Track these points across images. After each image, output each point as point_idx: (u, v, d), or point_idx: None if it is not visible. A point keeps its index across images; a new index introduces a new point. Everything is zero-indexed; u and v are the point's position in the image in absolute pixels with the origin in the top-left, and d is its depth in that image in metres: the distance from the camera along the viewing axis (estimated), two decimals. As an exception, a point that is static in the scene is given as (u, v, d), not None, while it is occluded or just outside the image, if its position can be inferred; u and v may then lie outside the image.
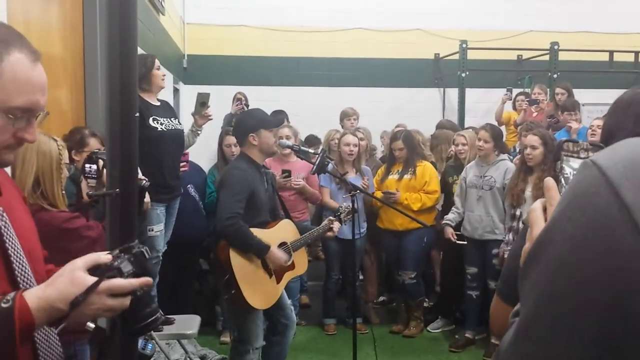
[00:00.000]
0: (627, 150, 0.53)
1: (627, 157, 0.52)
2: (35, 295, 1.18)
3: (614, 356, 0.49)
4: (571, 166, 0.94)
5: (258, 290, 3.56)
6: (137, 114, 1.98)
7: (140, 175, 3.52)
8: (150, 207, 3.96)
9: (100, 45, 3.83)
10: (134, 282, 1.27)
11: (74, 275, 1.21)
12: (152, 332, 3.68)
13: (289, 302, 3.94)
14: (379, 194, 5.15)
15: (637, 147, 0.53)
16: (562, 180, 0.91)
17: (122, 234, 2.00)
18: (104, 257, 1.27)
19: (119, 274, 1.26)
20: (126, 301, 1.26)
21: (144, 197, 3.19)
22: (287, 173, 5.01)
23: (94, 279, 1.22)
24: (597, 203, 0.51)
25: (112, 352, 1.50)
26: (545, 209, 0.82)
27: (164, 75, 4.21)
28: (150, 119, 4.05)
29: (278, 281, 3.68)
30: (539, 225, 0.80)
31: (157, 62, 4.14)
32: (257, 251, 3.53)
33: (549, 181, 0.92)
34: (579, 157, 0.94)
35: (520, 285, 0.60)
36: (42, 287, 1.22)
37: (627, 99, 1.71)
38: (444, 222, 5.06)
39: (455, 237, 4.98)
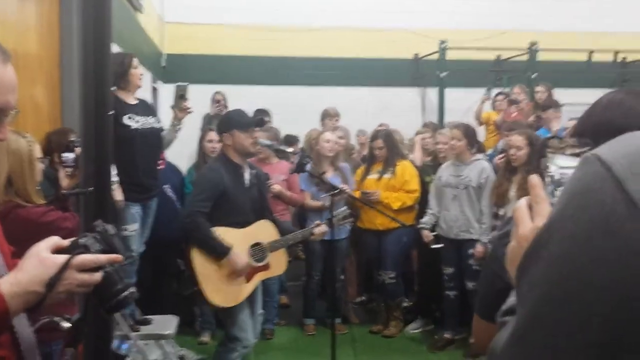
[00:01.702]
0: (630, 144, 0.51)
1: (632, 151, 0.50)
2: (7, 282, 1.19)
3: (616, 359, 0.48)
4: (556, 163, 0.92)
5: (220, 288, 3.55)
6: (112, 112, 1.96)
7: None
8: (125, 206, 3.94)
9: (76, 44, 3.79)
10: (102, 257, 1.29)
11: (42, 257, 1.22)
12: (130, 333, 3.65)
13: (260, 311, 3.90)
14: (358, 194, 5.14)
15: None
16: (547, 178, 0.90)
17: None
18: (65, 241, 1.29)
19: (86, 251, 1.29)
20: (97, 276, 1.29)
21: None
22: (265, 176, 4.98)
23: (65, 256, 1.24)
24: (602, 200, 0.49)
25: (86, 345, 1.51)
26: (530, 207, 0.80)
27: (142, 74, 4.17)
28: (125, 117, 4.01)
29: (247, 280, 3.64)
30: (524, 223, 0.78)
31: (135, 61, 4.10)
32: (216, 252, 3.52)
33: (534, 179, 0.91)
34: (564, 154, 0.93)
35: (517, 284, 0.58)
36: (12, 274, 1.23)
37: (619, 101, 1.73)
38: (420, 225, 5.06)
39: (431, 238, 4.98)
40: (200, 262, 3.51)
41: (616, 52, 8.91)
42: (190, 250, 3.51)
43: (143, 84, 4.26)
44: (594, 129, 1.45)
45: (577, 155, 0.87)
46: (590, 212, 0.49)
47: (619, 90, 1.84)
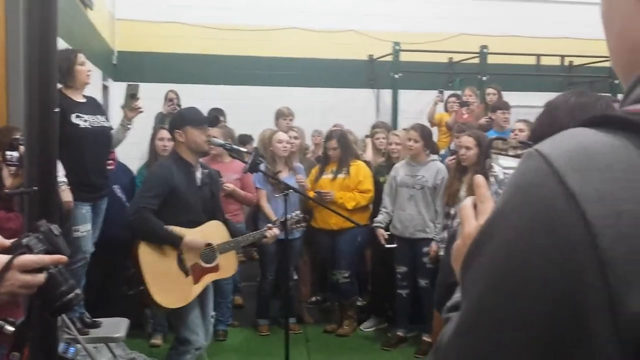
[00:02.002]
0: (570, 139, 0.52)
1: (573, 146, 0.51)
2: None
3: (559, 356, 0.48)
4: (500, 164, 0.95)
5: (168, 288, 3.48)
6: (57, 110, 1.91)
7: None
8: (75, 206, 3.85)
9: (22, 39, 3.68)
10: (46, 257, 1.25)
11: None
12: (79, 336, 3.56)
13: (212, 312, 3.87)
14: (312, 194, 5.15)
15: (580, 137, 0.52)
16: (492, 177, 0.92)
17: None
18: (7, 241, 1.26)
19: (29, 251, 1.26)
20: (40, 277, 1.25)
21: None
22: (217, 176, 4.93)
23: (6, 257, 1.21)
24: (543, 194, 0.50)
25: (32, 349, 1.48)
26: (475, 206, 0.82)
27: (89, 70, 4.07)
28: (73, 115, 3.92)
29: (195, 282, 3.59)
30: (470, 221, 0.80)
31: (80, 57, 4.00)
32: (170, 241, 3.46)
33: (479, 178, 0.92)
34: (507, 155, 0.96)
35: (461, 278, 0.58)
36: None
37: (564, 102, 1.78)
38: (374, 224, 5.09)
39: (386, 238, 5.02)
40: (147, 262, 3.44)
41: (563, 57, 9.16)
42: (136, 250, 3.43)
43: (91, 81, 4.15)
44: (543, 131, 1.50)
45: (519, 156, 0.89)
46: (532, 206, 0.50)
47: (567, 93, 1.90)
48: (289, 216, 3.93)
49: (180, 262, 3.52)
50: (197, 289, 3.60)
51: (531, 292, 0.49)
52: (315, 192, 5.19)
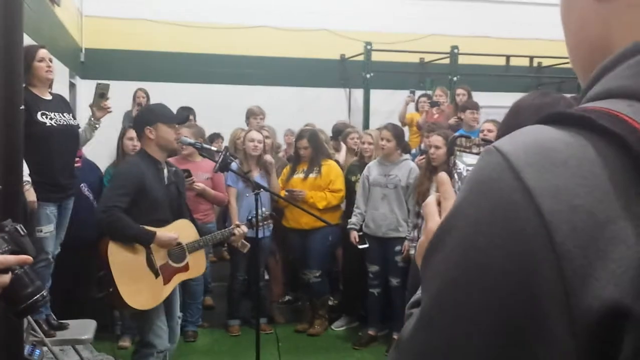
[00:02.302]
0: (528, 136, 0.53)
1: (529, 142, 0.52)
2: None
3: (517, 348, 0.49)
4: (464, 161, 0.96)
5: (139, 289, 3.42)
6: (22, 108, 1.86)
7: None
8: (39, 206, 3.77)
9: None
10: (10, 258, 1.22)
11: None
12: (45, 338, 3.50)
13: (179, 314, 3.82)
14: (283, 193, 5.13)
15: (538, 134, 0.53)
16: (455, 175, 0.93)
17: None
18: None
19: None
20: (5, 277, 1.21)
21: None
22: (186, 173, 4.87)
23: None
24: (501, 188, 0.51)
25: None
26: (439, 203, 0.82)
27: (49, 66, 3.95)
28: (38, 113, 3.84)
29: (166, 282, 3.54)
30: (433, 218, 0.80)
31: (40, 53, 3.90)
32: (142, 239, 3.40)
33: (442, 176, 0.93)
34: (471, 152, 0.97)
35: (422, 273, 0.59)
36: None
37: (529, 103, 1.80)
38: (349, 226, 5.10)
39: (357, 240, 5.03)
40: (116, 262, 3.36)
41: (532, 58, 9.29)
42: (105, 250, 3.35)
43: (54, 77, 4.04)
44: (509, 131, 1.50)
45: None
46: (490, 200, 0.51)
47: (532, 93, 1.93)
48: (253, 213, 3.93)
49: (150, 263, 3.46)
50: (168, 289, 3.55)
51: (488, 285, 0.50)
52: (286, 191, 5.17)
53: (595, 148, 0.50)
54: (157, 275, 3.49)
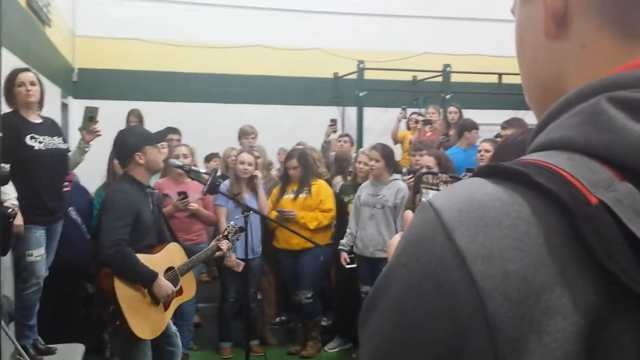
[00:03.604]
0: (464, 191, 0.50)
1: (464, 199, 0.49)
2: None
3: None
4: (428, 199, 0.92)
5: (144, 319, 3.40)
6: (0, 135, 1.84)
7: (9, 202, 3.32)
8: (28, 230, 3.74)
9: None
10: None
11: None
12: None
13: (173, 328, 3.80)
14: (274, 214, 5.10)
15: (474, 189, 0.50)
16: None
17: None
18: None
19: None
20: None
21: (12, 225, 2.99)
22: (183, 195, 4.87)
23: None
24: (432, 249, 0.48)
25: None
26: None
27: (28, 90, 3.89)
28: (27, 137, 3.83)
29: (165, 309, 3.52)
30: None
31: (19, 78, 3.88)
32: (144, 280, 3.38)
33: (407, 214, 0.90)
34: (438, 190, 0.93)
35: (360, 331, 0.55)
36: None
37: (512, 140, 1.78)
38: (339, 247, 5.07)
39: (348, 262, 4.99)
40: (124, 294, 3.32)
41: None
42: (110, 284, 3.29)
43: (35, 101, 3.97)
44: None
45: None
46: (422, 261, 0.48)
47: (517, 131, 1.91)
48: (228, 227, 3.93)
49: (151, 292, 3.45)
50: (168, 315, 3.55)
51: (420, 350, 0.47)
52: (277, 212, 5.14)
53: (531, 206, 0.47)
54: (157, 303, 3.47)
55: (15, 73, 3.90)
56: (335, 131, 7.77)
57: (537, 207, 0.47)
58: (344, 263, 5.00)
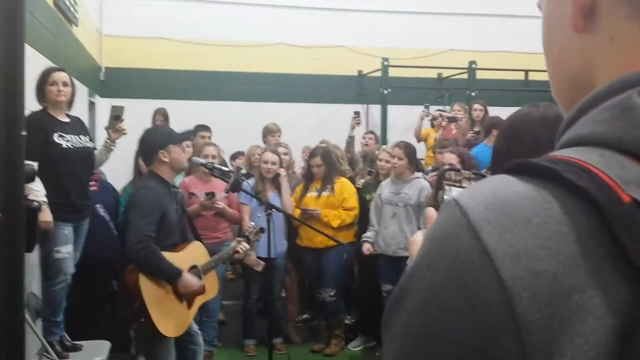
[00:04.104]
0: (490, 189, 0.48)
1: (490, 196, 0.47)
2: None
3: None
4: (453, 196, 0.89)
5: (169, 317, 3.42)
6: (24, 133, 1.86)
7: (34, 195, 3.36)
8: (56, 227, 3.79)
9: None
10: None
11: None
12: (57, 358, 3.49)
13: (195, 327, 3.82)
14: (297, 212, 5.10)
15: (501, 186, 0.48)
16: None
17: (8, 261, 1.86)
18: None
19: None
20: None
21: (36, 219, 3.03)
22: (211, 194, 4.90)
23: None
24: (458, 248, 0.46)
25: None
26: None
27: (59, 90, 3.97)
28: (56, 135, 3.88)
29: (189, 306, 3.54)
30: None
31: (52, 77, 3.94)
32: (169, 277, 3.40)
33: (430, 211, 0.88)
34: (461, 187, 0.90)
35: (383, 333, 0.54)
36: None
37: (516, 122, 1.74)
38: (362, 239, 5.05)
39: (371, 251, 4.97)
40: (149, 291, 3.35)
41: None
42: (136, 281, 3.32)
43: (65, 100, 4.04)
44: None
45: None
46: (447, 260, 0.47)
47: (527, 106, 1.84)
48: (249, 228, 3.93)
49: (175, 289, 3.47)
50: (192, 313, 3.57)
51: (445, 350, 0.46)
52: (301, 209, 5.14)
53: (561, 204, 0.45)
54: (181, 300, 3.49)
55: (48, 71, 3.97)
56: (359, 123, 7.75)
57: (567, 205, 0.45)
58: (366, 252, 4.97)
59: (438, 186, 0.91)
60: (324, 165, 5.20)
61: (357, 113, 7.79)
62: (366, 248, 5.00)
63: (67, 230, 3.98)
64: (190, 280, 3.45)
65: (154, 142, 3.58)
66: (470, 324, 0.45)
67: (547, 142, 1.64)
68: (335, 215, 5.10)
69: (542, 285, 0.43)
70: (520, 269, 0.44)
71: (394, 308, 0.52)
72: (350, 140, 7.40)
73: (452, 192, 0.89)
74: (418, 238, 0.81)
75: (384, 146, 5.93)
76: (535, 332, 0.43)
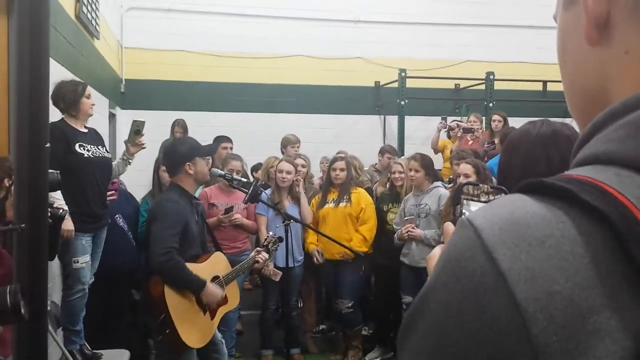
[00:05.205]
0: (504, 208, 0.48)
1: (504, 217, 0.47)
2: None
3: None
4: (471, 211, 0.88)
5: (194, 328, 3.45)
6: (48, 146, 1.90)
7: (58, 204, 3.42)
8: (75, 237, 3.84)
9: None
10: None
11: None
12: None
13: (219, 336, 3.84)
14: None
15: (515, 207, 0.48)
16: None
17: (31, 271, 1.90)
18: None
19: None
20: None
21: (60, 227, 3.07)
22: (229, 209, 4.95)
23: None
24: (473, 269, 0.46)
25: None
26: None
27: (94, 104, 4.12)
28: (77, 145, 3.94)
29: (212, 317, 3.57)
30: None
31: (88, 90, 4.06)
32: (194, 288, 3.42)
33: (448, 226, 0.88)
34: (479, 201, 0.90)
35: (398, 352, 0.55)
36: None
37: (516, 138, 1.75)
38: (394, 224, 5.06)
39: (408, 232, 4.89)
40: (174, 302, 3.38)
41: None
42: (161, 292, 3.35)
43: (94, 112, 4.18)
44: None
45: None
46: (462, 282, 0.47)
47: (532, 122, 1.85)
48: (267, 238, 3.95)
49: (199, 300, 3.50)
50: (215, 324, 3.59)
51: None
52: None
53: (576, 225, 0.45)
54: (205, 311, 3.52)
55: (85, 85, 4.10)
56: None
57: (583, 226, 0.45)
58: (402, 234, 4.89)
59: (456, 200, 0.90)
60: (346, 170, 5.20)
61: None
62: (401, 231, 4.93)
63: (85, 240, 4.03)
64: (214, 290, 3.48)
65: (182, 153, 3.60)
66: (485, 345, 0.45)
67: (543, 158, 1.67)
68: (359, 239, 5.10)
69: (558, 307, 0.43)
70: (535, 291, 0.44)
71: (410, 327, 0.52)
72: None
73: (470, 207, 0.89)
74: (435, 254, 0.81)
75: (397, 159, 5.93)
76: (552, 355, 0.42)
